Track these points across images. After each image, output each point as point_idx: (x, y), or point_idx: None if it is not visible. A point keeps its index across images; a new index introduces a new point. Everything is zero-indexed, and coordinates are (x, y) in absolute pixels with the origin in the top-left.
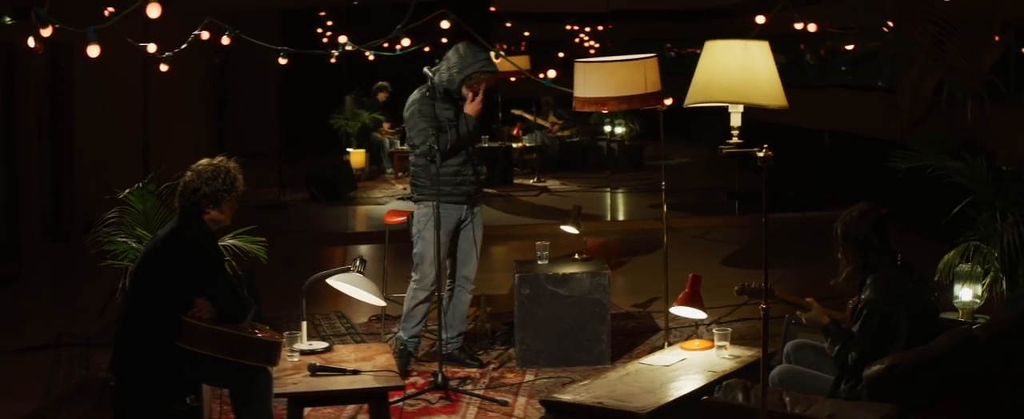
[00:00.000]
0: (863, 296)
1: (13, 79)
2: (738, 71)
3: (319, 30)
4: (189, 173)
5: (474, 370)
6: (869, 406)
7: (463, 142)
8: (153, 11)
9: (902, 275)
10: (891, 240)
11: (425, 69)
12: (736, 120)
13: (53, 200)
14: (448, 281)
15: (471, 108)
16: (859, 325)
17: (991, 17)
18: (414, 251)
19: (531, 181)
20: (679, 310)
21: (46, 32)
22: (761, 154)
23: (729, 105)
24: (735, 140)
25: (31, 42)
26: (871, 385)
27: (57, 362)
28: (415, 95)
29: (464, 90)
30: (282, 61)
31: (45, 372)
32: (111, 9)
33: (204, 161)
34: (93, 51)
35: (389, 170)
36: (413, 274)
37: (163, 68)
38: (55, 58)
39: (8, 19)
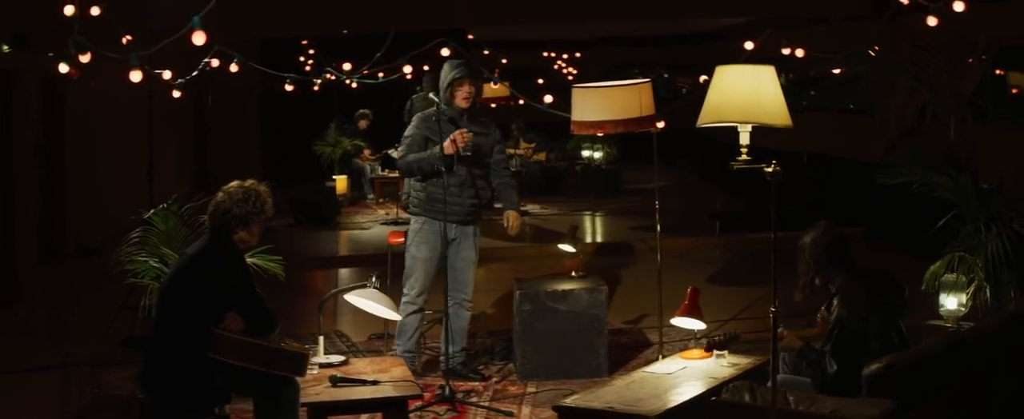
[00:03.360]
0: (833, 316)
1: (9, 106)
2: (748, 93)
3: (302, 58)
4: (221, 194)
5: (477, 383)
6: (869, 402)
7: (421, 172)
8: (198, 39)
9: (868, 286)
10: (850, 255)
11: (430, 95)
12: (745, 139)
13: (46, 224)
14: (448, 299)
15: (446, 146)
16: (831, 345)
17: (974, 41)
18: (405, 264)
19: None
20: (680, 321)
21: (85, 58)
22: (769, 170)
23: (738, 125)
24: (744, 157)
25: (63, 68)
26: (870, 382)
27: (67, 381)
28: (429, 111)
29: (457, 94)
30: (288, 88)
31: (55, 391)
32: (129, 37)
33: (235, 183)
34: (135, 76)
35: (370, 196)
36: (404, 289)
37: (176, 94)
38: (49, 85)
39: (6, 47)
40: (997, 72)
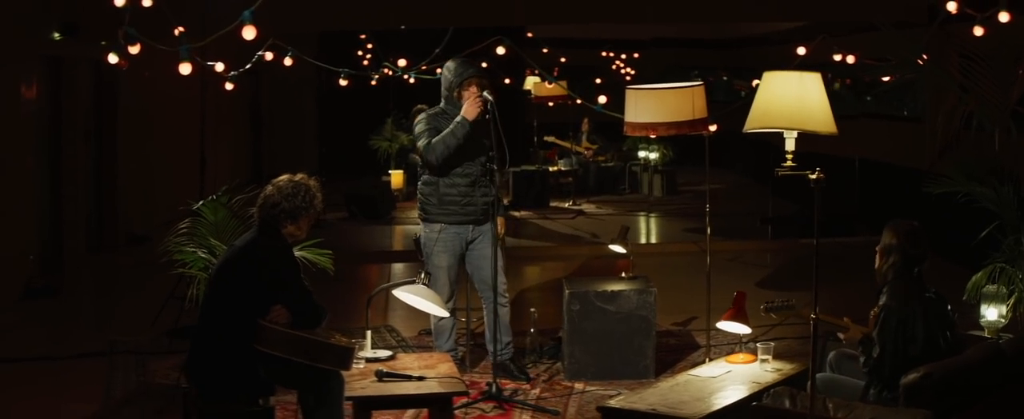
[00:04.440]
0: (881, 303)
1: (60, 93)
2: (794, 100)
3: (359, 52)
4: (270, 188)
5: (524, 383)
6: (906, 411)
7: (456, 141)
8: (249, 33)
9: (917, 285)
10: (919, 272)
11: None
12: (790, 145)
13: (96, 212)
14: (483, 300)
15: (468, 110)
16: (879, 328)
17: (1020, 51)
18: (426, 270)
19: (567, 204)
20: (725, 325)
21: (134, 49)
22: (814, 176)
23: (784, 131)
24: (789, 163)
25: (113, 58)
26: (907, 391)
27: (113, 368)
28: (434, 108)
29: (466, 94)
30: (343, 82)
31: (100, 378)
32: (181, 28)
33: (284, 177)
34: (185, 69)
35: None
36: None
37: (228, 86)
38: (100, 73)
39: (57, 35)
40: None
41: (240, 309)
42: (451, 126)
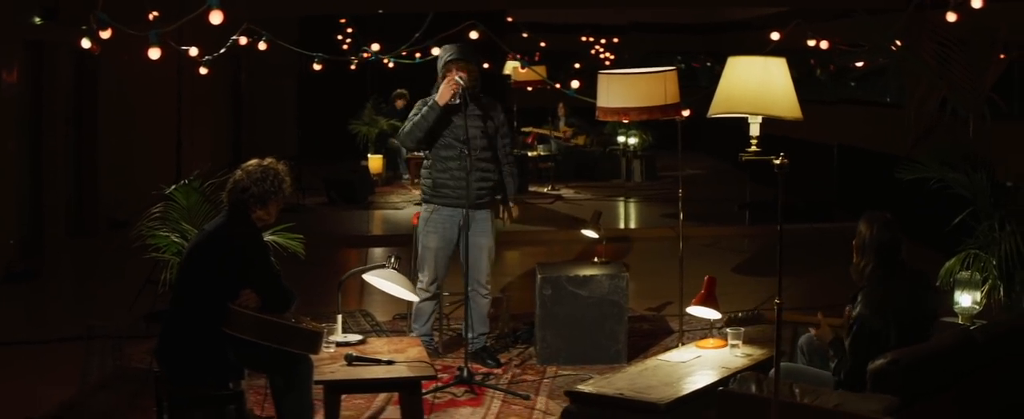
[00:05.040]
0: (855, 311)
1: (41, 78)
2: (758, 85)
3: (339, 37)
4: (239, 172)
5: (495, 369)
6: (872, 397)
7: (426, 124)
8: (216, 18)
9: (896, 288)
10: (900, 258)
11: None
12: (755, 130)
13: (77, 198)
14: (465, 284)
15: (440, 95)
16: (850, 339)
17: (993, 37)
18: (417, 253)
19: (545, 189)
20: (695, 310)
21: (105, 34)
22: (778, 161)
23: (748, 116)
24: (754, 148)
25: (86, 43)
26: (874, 377)
27: (90, 353)
28: (428, 97)
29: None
30: (316, 67)
31: (78, 361)
32: (155, 13)
33: (253, 162)
34: (154, 54)
35: (405, 176)
36: (418, 277)
37: (203, 71)
38: (81, 58)
39: (38, 19)
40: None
41: (209, 293)
42: (424, 110)
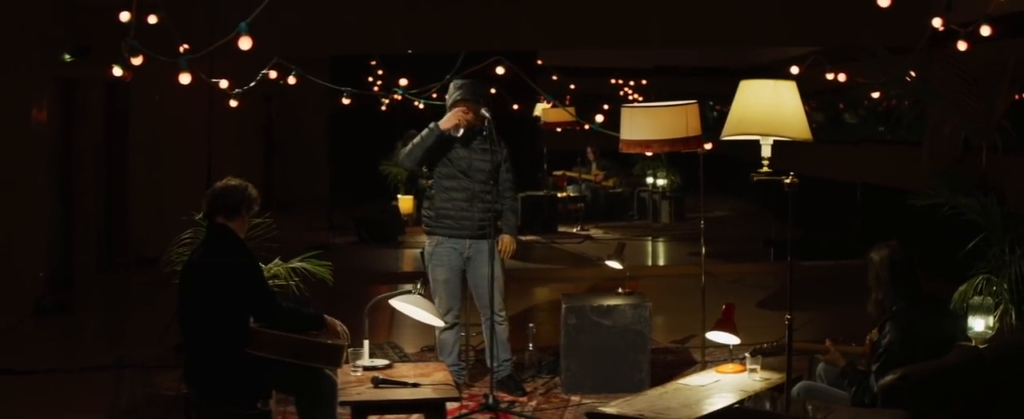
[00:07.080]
0: (884, 340)
1: (71, 114)
2: (768, 107)
3: (370, 78)
4: (208, 194)
5: (520, 397)
6: (883, 413)
7: (424, 145)
8: (245, 43)
9: (924, 316)
10: (915, 280)
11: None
12: (766, 152)
13: (107, 234)
14: (481, 316)
15: (444, 120)
16: (879, 364)
17: (1004, 68)
18: (423, 281)
19: (575, 229)
20: (714, 335)
21: (137, 61)
22: (788, 181)
23: (760, 137)
24: (765, 169)
25: (117, 71)
26: (885, 393)
27: (120, 381)
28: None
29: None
30: (345, 101)
31: (107, 390)
32: (186, 46)
33: (219, 182)
34: (184, 79)
35: None
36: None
37: (232, 103)
38: (111, 93)
39: (68, 56)
40: None
41: (213, 316)
42: (424, 132)
